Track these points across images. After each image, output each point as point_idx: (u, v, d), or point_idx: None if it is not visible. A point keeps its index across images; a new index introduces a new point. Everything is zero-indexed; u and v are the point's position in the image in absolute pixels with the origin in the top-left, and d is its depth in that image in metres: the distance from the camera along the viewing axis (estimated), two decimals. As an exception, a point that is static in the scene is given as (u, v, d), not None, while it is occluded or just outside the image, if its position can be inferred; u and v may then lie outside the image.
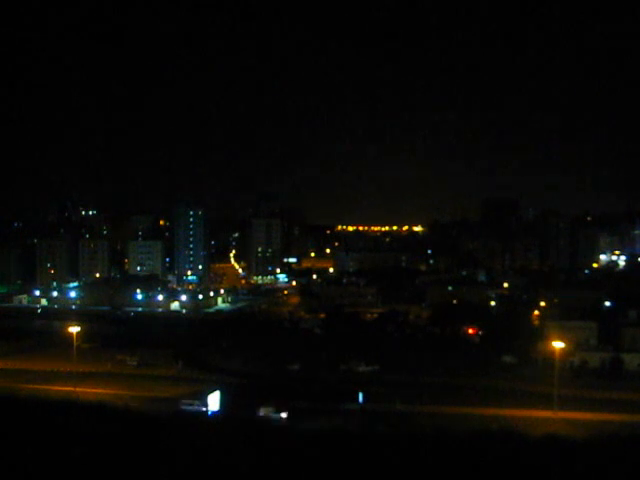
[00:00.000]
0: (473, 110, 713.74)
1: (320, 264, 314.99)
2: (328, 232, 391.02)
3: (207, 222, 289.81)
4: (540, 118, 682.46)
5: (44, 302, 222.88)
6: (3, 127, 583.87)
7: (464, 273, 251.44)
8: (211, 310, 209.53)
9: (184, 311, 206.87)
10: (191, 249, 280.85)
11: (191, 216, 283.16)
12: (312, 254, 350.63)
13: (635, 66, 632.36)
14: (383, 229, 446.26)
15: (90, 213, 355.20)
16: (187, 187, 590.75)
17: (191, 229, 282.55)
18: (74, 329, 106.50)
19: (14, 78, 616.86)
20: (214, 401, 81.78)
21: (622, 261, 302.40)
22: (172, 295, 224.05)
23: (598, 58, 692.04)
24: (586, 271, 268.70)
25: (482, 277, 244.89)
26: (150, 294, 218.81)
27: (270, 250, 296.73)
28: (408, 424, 68.95)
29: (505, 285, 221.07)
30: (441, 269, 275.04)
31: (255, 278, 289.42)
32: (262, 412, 78.44)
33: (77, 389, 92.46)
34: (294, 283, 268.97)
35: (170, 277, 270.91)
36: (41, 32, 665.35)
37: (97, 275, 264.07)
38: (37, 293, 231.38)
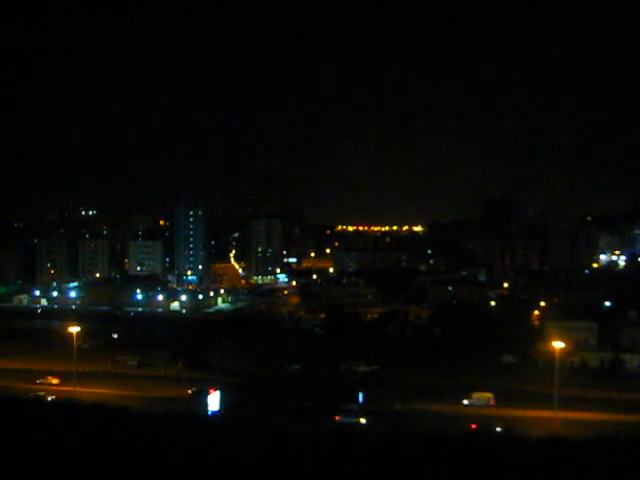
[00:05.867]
0: (473, 110, 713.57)
1: (320, 264, 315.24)
2: (328, 232, 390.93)
3: (207, 222, 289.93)
4: (540, 118, 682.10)
5: (44, 302, 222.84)
6: (3, 127, 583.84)
7: (464, 273, 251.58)
8: (211, 310, 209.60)
9: (184, 311, 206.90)
10: (191, 249, 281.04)
11: (191, 216, 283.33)
12: (312, 254, 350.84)
13: (635, 66, 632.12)
14: (383, 229, 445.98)
15: (90, 213, 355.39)
16: (187, 187, 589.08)
17: (191, 229, 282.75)
18: (74, 329, 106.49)
19: (14, 77, 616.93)
20: (214, 401, 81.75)
21: (622, 261, 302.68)
22: (172, 295, 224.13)
23: (598, 57, 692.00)
24: (586, 271, 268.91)
25: (482, 277, 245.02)
26: (150, 294, 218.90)
27: (270, 250, 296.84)
28: (408, 424, 68.92)
29: (505, 285, 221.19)
30: (441, 269, 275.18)
31: (255, 278, 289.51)
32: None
33: (77, 389, 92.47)
34: (294, 283, 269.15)
35: (170, 277, 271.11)
36: (40, 31, 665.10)
37: (97, 275, 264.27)
38: (37, 293, 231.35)
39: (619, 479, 21.93)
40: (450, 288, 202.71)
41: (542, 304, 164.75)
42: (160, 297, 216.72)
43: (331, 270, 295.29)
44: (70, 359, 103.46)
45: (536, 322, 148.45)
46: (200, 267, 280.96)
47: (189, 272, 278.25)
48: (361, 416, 78.78)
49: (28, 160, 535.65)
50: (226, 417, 66.01)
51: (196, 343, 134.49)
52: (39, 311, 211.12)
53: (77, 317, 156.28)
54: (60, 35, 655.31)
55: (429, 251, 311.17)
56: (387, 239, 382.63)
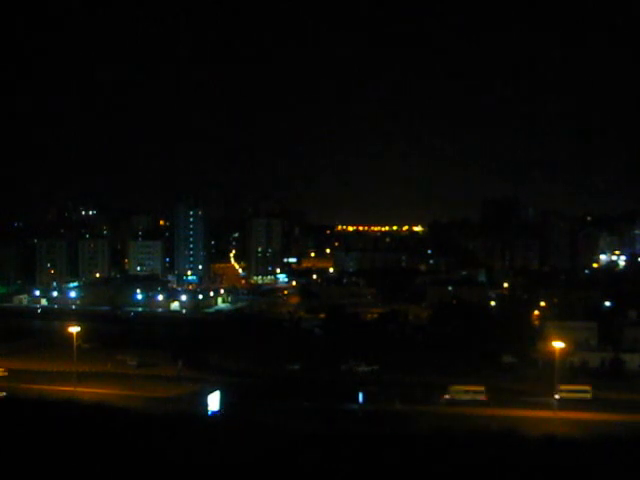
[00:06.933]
0: (473, 110, 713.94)
1: (320, 264, 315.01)
2: (328, 232, 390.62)
3: (207, 222, 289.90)
4: (540, 118, 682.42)
5: (44, 302, 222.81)
6: (3, 127, 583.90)
7: (464, 273, 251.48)
8: (211, 310, 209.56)
9: (184, 311, 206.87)
10: (191, 249, 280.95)
11: (191, 216, 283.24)
12: (312, 254, 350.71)
13: (635, 67, 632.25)
14: (383, 229, 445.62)
15: (90, 213, 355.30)
16: (187, 187, 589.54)
17: (191, 229, 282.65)
18: (74, 329, 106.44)
19: (14, 77, 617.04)
20: (214, 401, 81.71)
21: (622, 261, 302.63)
22: (172, 295, 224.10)
23: (599, 58, 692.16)
24: (586, 271, 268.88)
25: (482, 277, 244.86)
26: (150, 294, 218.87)
27: (270, 250, 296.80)
28: (408, 424, 68.90)
29: (505, 285, 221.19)
30: (441, 269, 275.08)
31: (255, 278, 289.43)
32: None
33: (77, 389, 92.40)
34: (294, 283, 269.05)
35: (170, 277, 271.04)
36: (41, 30, 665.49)
37: (97, 275, 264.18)
38: (37, 293, 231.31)
39: (619, 479, 21.93)
40: (450, 288, 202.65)
41: (542, 304, 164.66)
42: (160, 297, 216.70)
43: (331, 270, 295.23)
44: (70, 359, 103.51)
45: (536, 322, 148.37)
46: (200, 267, 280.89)
47: (189, 272, 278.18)
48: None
49: (28, 160, 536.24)
50: (226, 417, 66.03)
51: (196, 343, 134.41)
52: (39, 311, 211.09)
53: (77, 317, 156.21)
54: (61, 35, 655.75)
55: (429, 251, 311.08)
56: (387, 239, 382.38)
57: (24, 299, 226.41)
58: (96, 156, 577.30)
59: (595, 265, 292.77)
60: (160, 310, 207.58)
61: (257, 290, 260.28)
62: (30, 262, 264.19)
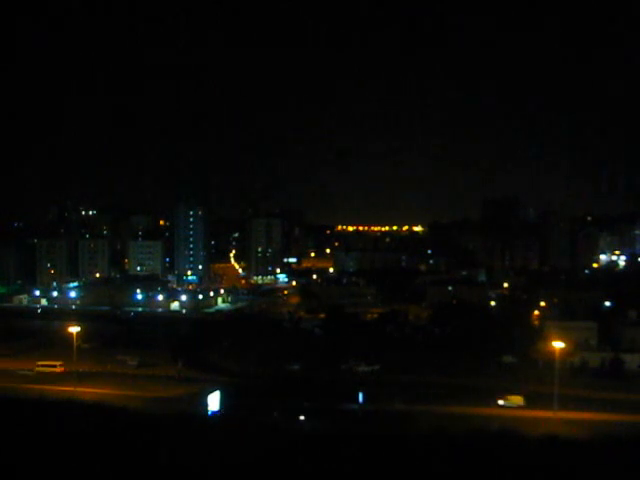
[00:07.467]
0: (473, 110, 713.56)
1: (320, 264, 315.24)
2: (328, 232, 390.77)
3: (207, 222, 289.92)
4: (541, 119, 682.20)
5: (44, 302, 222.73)
6: (2, 127, 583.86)
7: (464, 273, 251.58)
8: (211, 310, 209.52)
9: (184, 311, 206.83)
10: (191, 249, 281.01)
11: (191, 216, 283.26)
12: (312, 254, 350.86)
13: (635, 68, 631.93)
14: (383, 229, 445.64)
15: (90, 213, 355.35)
16: (187, 187, 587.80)
17: (191, 229, 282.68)
18: (74, 329, 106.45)
19: (14, 76, 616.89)
20: (214, 401, 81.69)
21: (622, 261, 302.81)
22: (172, 295, 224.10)
23: (599, 58, 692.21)
24: (586, 271, 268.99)
25: (482, 277, 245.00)
26: (150, 294, 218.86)
27: (270, 250, 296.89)
28: (408, 424, 68.90)
29: (505, 285, 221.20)
30: (441, 269, 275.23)
31: (255, 278, 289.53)
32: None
33: (77, 389, 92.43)
34: (294, 283, 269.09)
35: (170, 277, 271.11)
36: (39, 30, 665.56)
37: (97, 275, 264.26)
38: (37, 293, 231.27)
39: (619, 479, 21.92)
40: (450, 288, 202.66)
41: (542, 304, 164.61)
42: (160, 297, 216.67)
43: (331, 270, 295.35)
44: (70, 359, 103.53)
45: (536, 322, 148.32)
46: (200, 267, 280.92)
47: (189, 272, 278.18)
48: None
49: (28, 160, 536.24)
50: (226, 417, 66.04)
51: (196, 343, 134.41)
52: (39, 311, 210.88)
53: (77, 317, 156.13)
54: (60, 34, 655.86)
55: (429, 251, 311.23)
56: (387, 239, 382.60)
57: (24, 299, 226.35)
58: (96, 156, 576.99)
59: (595, 265, 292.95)
60: (160, 310, 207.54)
61: (257, 290, 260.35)
62: (30, 262, 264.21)
